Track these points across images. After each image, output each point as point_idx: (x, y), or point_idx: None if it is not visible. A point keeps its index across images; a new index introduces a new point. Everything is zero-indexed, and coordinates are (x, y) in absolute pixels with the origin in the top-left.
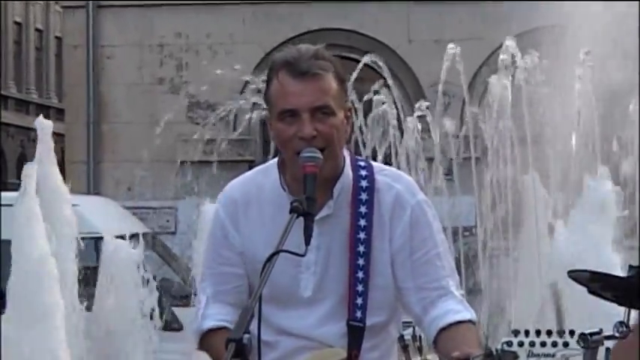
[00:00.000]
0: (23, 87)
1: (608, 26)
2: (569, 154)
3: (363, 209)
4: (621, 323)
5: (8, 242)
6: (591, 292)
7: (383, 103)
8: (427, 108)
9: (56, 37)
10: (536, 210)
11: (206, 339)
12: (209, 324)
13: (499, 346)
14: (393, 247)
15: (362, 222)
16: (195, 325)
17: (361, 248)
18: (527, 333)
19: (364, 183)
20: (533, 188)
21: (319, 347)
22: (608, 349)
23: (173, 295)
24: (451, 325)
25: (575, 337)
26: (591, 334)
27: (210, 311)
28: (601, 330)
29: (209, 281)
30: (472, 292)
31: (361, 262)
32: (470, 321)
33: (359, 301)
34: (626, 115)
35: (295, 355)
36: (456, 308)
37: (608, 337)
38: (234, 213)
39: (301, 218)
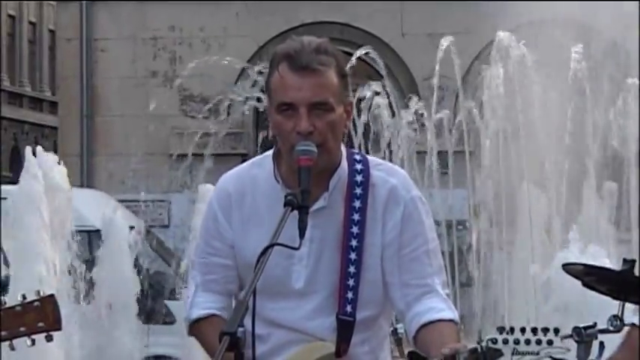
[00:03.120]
0: (17, 80)
1: (598, 20)
2: (561, 145)
3: (357, 204)
4: (615, 317)
5: None
6: (585, 284)
7: (377, 93)
8: (419, 100)
9: (50, 30)
10: (529, 204)
11: (195, 327)
12: (197, 312)
13: (484, 344)
14: (384, 241)
15: (356, 216)
16: (185, 313)
17: (354, 242)
18: (512, 330)
19: (359, 177)
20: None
21: (310, 340)
22: (601, 342)
23: (166, 288)
24: (432, 322)
25: (560, 335)
26: (585, 328)
27: (199, 299)
28: (595, 324)
29: (198, 270)
30: (465, 286)
31: (353, 256)
32: (451, 320)
33: (349, 295)
34: (616, 106)
35: (286, 348)
36: (438, 307)
37: (602, 331)
38: (228, 205)
39: (295, 211)
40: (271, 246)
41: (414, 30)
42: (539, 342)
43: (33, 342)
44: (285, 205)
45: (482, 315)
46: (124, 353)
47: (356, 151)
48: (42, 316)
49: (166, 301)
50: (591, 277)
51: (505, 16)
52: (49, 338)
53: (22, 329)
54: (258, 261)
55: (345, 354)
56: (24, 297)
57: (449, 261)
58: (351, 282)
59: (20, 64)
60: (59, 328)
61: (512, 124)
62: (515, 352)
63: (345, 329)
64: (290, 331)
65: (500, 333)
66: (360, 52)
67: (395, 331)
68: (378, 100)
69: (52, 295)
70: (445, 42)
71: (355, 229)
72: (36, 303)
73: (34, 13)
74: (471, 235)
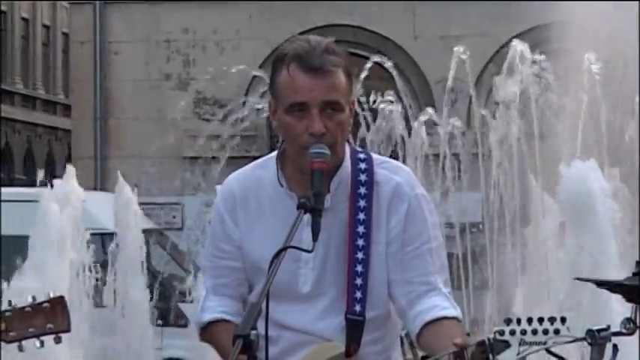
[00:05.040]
0: (30, 83)
1: (613, 23)
2: (575, 150)
3: (361, 203)
4: (628, 320)
5: (7, 238)
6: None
7: (391, 102)
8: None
9: (63, 33)
10: (542, 206)
11: (207, 331)
12: (209, 316)
13: (491, 335)
14: (388, 237)
15: (361, 216)
16: (196, 317)
17: (360, 242)
18: (519, 321)
19: (363, 177)
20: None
21: (319, 342)
22: (615, 345)
23: (179, 291)
24: (437, 319)
25: (567, 323)
26: (599, 331)
27: (210, 303)
28: (608, 326)
29: (209, 274)
30: (479, 288)
31: (360, 255)
32: (456, 318)
33: (358, 294)
34: (633, 111)
35: (296, 350)
36: (442, 304)
37: (615, 334)
38: (233, 207)
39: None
40: (284, 249)
41: (427, 32)
42: (546, 332)
43: (42, 343)
44: (299, 207)
45: (495, 317)
46: (138, 356)
47: (360, 149)
48: (51, 317)
49: (180, 304)
50: (603, 286)
51: (519, 19)
52: (58, 340)
53: (31, 330)
54: (271, 264)
55: (355, 354)
56: (34, 298)
57: (462, 263)
58: (359, 281)
59: (34, 67)
60: (68, 330)
61: (527, 129)
62: (522, 343)
63: (354, 329)
64: (299, 333)
65: (508, 324)
66: (376, 59)
67: (408, 334)
68: (391, 104)
69: (61, 297)
70: (458, 45)
71: (361, 229)
72: (45, 304)
73: (47, 15)
74: (485, 238)
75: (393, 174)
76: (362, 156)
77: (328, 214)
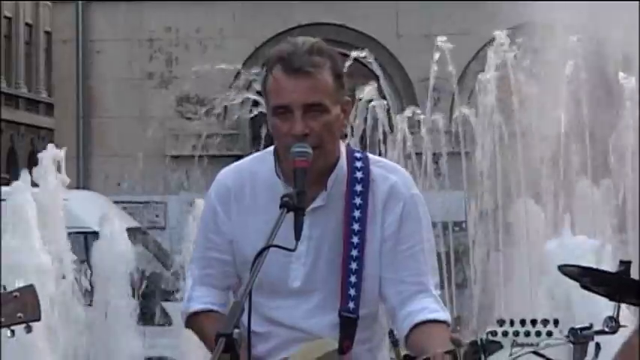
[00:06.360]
0: (13, 81)
1: (595, 22)
2: (557, 147)
3: (357, 201)
4: (611, 318)
5: None
6: (583, 286)
7: (371, 101)
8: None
9: (46, 32)
10: (525, 206)
11: (192, 321)
12: (195, 306)
13: (484, 336)
14: (382, 236)
15: (356, 213)
16: (182, 306)
17: (355, 239)
18: (512, 323)
19: (359, 174)
20: (523, 182)
21: (310, 338)
22: (597, 343)
23: (163, 290)
24: (427, 322)
25: (559, 326)
26: (581, 329)
27: (197, 293)
28: (591, 325)
29: (196, 264)
30: (461, 287)
31: (355, 253)
32: (445, 322)
33: (352, 292)
34: (616, 109)
35: (287, 346)
36: (432, 307)
37: (598, 332)
38: (227, 199)
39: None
40: (267, 248)
41: (410, 31)
42: (538, 333)
43: (12, 333)
44: (281, 206)
45: (478, 316)
46: (121, 355)
47: (356, 149)
48: (21, 306)
49: (163, 303)
50: (587, 278)
51: (502, 18)
52: (29, 329)
53: (1, 320)
54: (254, 262)
55: (348, 351)
56: (4, 288)
57: (445, 262)
58: (352, 278)
59: (16, 65)
60: (38, 319)
61: (508, 127)
62: (514, 344)
63: (348, 326)
64: (290, 329)
65: (500, 325)
66: (356, 54)
67: (391, 333)
68: (373, 101)
69: (31, 285)
70: (441, 43)
71: (356, 226)
72: (15, 293)
73: (30, 14)
74: (468, 236)
75: (389, 173)
76: (358, 155)
77: (323, 211)
